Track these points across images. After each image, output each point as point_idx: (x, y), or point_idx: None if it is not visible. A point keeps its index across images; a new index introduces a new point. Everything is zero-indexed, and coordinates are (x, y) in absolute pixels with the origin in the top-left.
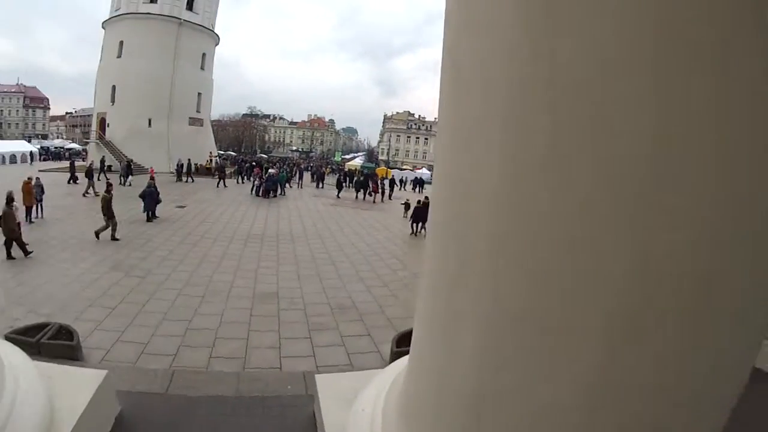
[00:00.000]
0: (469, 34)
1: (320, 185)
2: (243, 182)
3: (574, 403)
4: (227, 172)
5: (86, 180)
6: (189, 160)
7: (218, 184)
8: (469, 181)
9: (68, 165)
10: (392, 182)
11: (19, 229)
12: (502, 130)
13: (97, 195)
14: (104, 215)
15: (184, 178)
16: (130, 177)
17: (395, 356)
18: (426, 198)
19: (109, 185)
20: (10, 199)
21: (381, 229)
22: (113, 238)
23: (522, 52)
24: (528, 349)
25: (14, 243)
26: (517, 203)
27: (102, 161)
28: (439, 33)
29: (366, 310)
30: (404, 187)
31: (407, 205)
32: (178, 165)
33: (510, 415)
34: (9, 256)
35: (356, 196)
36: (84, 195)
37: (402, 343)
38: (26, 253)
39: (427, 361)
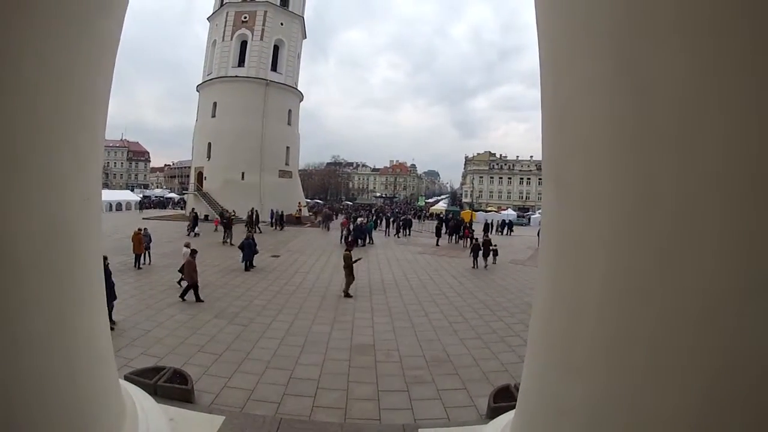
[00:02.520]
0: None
1: (407, 232)
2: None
3: None
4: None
5: (224, 230)
6: (254, 209)
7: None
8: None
9: (188, 215)
10: (486, 227)
11: (197, 277)
12: None
13: (233, 245)
14: (345, 269)
15: (254, 228)
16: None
17: (493, 411)
18: (485, 235)
19: (350, 243)
20: (193, 251)
21: (471, 277)
22: (346, 294)
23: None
24: (645, 411)
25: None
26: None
27: (254, 211)
28: (512, 69)
29: (461, 363)
30: (492, 231)
31: (495, 252)
32: (247, 216)
33: None
34: (195, 297)
35: (448, 241)
36: (223, 243)
37: (499, 399)
38: (198, 299)
39: (531, 419)
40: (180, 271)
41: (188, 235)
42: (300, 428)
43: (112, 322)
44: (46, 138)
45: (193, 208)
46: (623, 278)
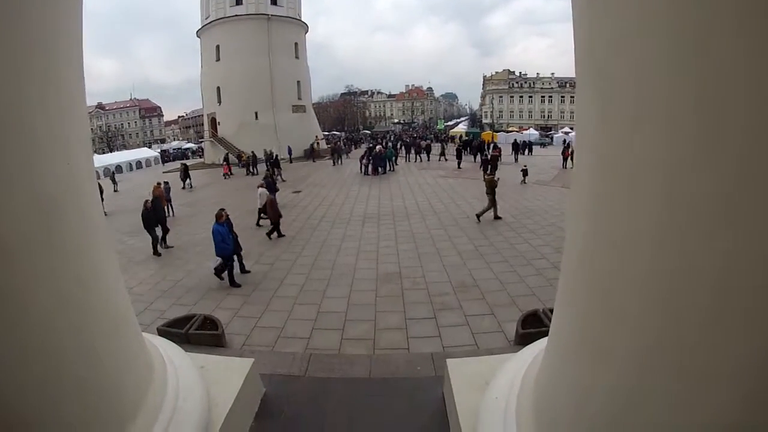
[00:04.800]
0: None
1: (427, 157)
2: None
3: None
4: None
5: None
6: (252, 152)
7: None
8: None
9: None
10: (516, 146)
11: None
12: None
13: (284, 180)
14: (489, 196)
15: (252, 170)
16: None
17: (521, 338)
18: (495, 150)
19: (490, 168)
20: (275, 190)
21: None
22: (496, 217)
23: None
24: (706, 360)
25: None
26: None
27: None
28: None
29: (487, 288)
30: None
31: (525, 172)
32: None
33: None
34: (278, 233)
35: (474, 160)
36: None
37: (528, 324)
38: (280, 235)
39: (567, 359)
40: (261, 210)
41: (183, 188)
42: (331, 362)
43: (246, 271)
44: (10, 110)
45: (183, 163)
46: (689, 204)
